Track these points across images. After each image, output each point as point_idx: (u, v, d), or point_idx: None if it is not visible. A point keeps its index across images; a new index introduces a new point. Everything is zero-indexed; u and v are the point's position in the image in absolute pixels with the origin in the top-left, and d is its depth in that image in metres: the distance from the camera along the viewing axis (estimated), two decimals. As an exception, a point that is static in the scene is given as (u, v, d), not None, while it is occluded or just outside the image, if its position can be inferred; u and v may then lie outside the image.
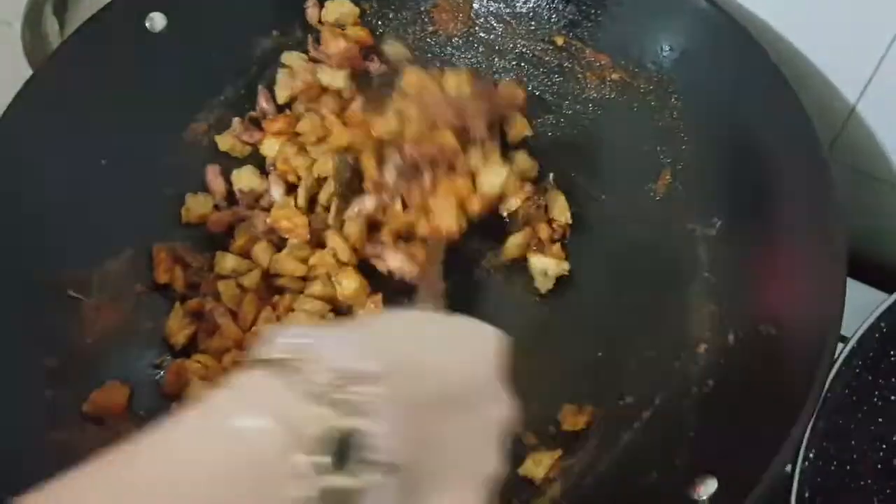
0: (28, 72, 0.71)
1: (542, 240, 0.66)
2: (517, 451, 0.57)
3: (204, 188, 0.68)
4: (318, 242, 0.65)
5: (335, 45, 0.72)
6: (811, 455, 0.49)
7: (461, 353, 0.34)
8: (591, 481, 0.54)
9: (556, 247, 0.65)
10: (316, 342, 0.28)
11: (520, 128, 0.69)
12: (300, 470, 0.25)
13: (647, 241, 0.65)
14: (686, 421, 0.53)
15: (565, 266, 0.64)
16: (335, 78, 0.71)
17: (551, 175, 0.67)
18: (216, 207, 0.67)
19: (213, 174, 0.68)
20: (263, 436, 0.25)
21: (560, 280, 0.64)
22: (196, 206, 0.66)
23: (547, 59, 0.73)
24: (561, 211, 0.66)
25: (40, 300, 0.57)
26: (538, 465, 0.55)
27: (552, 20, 0.72)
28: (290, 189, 0.68)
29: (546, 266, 0.64)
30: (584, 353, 0.61)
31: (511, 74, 0.73)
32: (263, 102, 0.72)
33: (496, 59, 0.74)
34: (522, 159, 0.67)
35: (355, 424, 0.26)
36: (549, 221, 0.66)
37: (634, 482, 0.52)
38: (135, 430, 0.54)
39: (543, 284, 0.64)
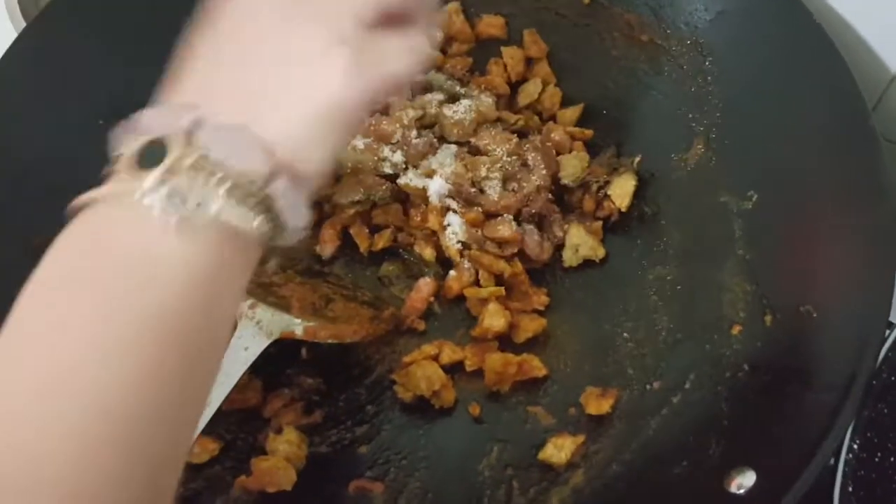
0: (21, 24, 0.67)
1: (585, 212, 0.62)
2: (536, 435, 0.54)
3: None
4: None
5: None
6: (855, 446, 0.46)
7: None
8: (617, 469, 0.51)
9: (598, 225, 0.61)
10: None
11: (553, 97, 0.67)
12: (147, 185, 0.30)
13: (677, 214, 0.61)
14: (720, 408, 0.49)
15: (600, 252, 0.60)
16: None
17: (638, 158, 0.63)
18: None
19: None
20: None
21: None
22: None
23: (571, 18, 0.68)
24: (622, 196, 0.61)
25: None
26: (560, 450, 0.52)
27: (578, -24, 0.67)
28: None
29: (580, 242, 0.60)
30: (607, 332, 0.58)
31: (532, 35, 0.69)
32: None
33: (517, 18, 0.70)
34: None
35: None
36: (603, 197, 0.62)
37: (664, 471, 0.49)
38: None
39: (570, 259, 0.60)
